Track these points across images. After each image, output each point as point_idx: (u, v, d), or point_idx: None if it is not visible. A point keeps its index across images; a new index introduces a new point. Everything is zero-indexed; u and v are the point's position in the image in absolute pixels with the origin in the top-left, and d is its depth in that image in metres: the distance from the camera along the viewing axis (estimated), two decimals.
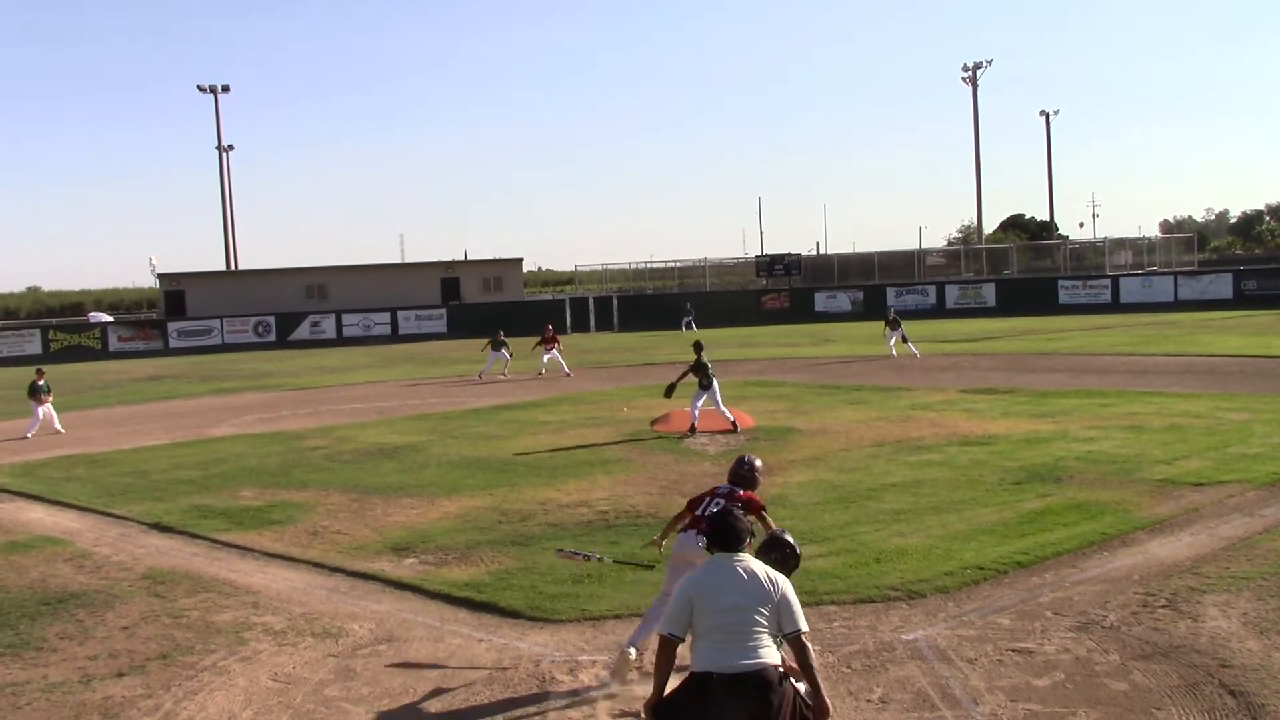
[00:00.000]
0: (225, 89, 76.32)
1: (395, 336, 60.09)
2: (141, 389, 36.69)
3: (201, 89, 75.87)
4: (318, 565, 11.85)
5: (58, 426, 24.66)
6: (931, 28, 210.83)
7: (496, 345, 34.28)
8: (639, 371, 32.78)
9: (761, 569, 5.75)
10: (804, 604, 9.36)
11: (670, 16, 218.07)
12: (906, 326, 34.44)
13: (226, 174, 77.98)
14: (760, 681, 5.43)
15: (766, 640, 5.56)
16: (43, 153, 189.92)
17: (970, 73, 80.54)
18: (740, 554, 5.79)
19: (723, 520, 6.01)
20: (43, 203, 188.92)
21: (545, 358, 34.55)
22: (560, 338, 35.67)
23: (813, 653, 5.66)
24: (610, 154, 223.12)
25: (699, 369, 20.28)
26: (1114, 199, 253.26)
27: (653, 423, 20.94)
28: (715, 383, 20.21)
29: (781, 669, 5.56)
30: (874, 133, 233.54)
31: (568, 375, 33.23)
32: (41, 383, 24.91)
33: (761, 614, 5.56)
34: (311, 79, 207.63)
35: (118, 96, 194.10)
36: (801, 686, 5.62)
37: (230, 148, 78.02)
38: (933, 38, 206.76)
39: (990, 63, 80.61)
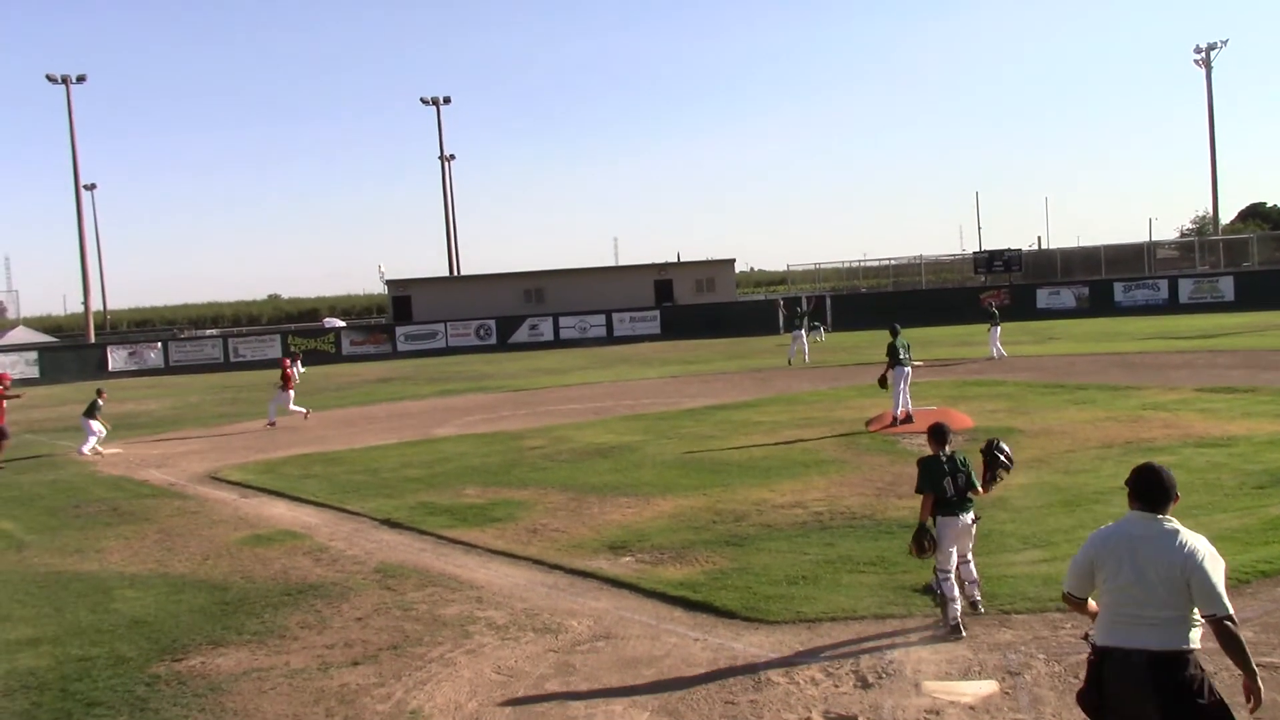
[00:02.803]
0: (447, 100, 79.22)
1: (610, 338, 61.03)
2: (372, 390, 38.39)
3: (425, 101, 79.01)
4: (537, 562, 12.15)
5: (94, 447, 24.25)
6: (1159, 8, 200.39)
7: (797, 325, 36.73)
8: (853, 372, 32.33)
9: (1180, 538, 5.10)
10: (1027, 611, 9.17)
11: (880, 10, 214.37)
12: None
13: (449, 183, 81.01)
14: (1154, 663, 5.00)
15: (1168, 619, 5.03)
16: (280, 170, 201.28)
17: (1203, 54, 76.23)
18: (1161, 515, 5.20)
19: (1150, 472, 5.32)
20: (282, 217, 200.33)
21: (273, 403, 28.61)
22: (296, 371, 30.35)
23: (1239, 636, 5.06)
24: (822, 152, 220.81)
25: (890, 351, 20.51)
26: None
27: (868, 423, 20.66)
28: (907, 368, 20.33)
29: (1190, 650, 5.05)
30: (1099, 121, 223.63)
31: (304, 416, 28.40)
32: (101, 403, 24.79)
33: (1161, 592, 5.04)
34: (527, 87, 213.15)
35: (348, 113, 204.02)
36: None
37: (452, 157, 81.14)
38: (1161, 19, 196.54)
39: (1225, 43, 76.20)
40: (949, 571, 8.97)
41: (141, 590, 11.91)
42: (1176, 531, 5.13)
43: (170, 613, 10.92)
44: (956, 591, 8.94)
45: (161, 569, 12.90)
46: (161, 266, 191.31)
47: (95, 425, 24.39)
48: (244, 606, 11.02)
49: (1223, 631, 5.03)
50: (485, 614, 10.29)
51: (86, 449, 24.13)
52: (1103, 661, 5.17)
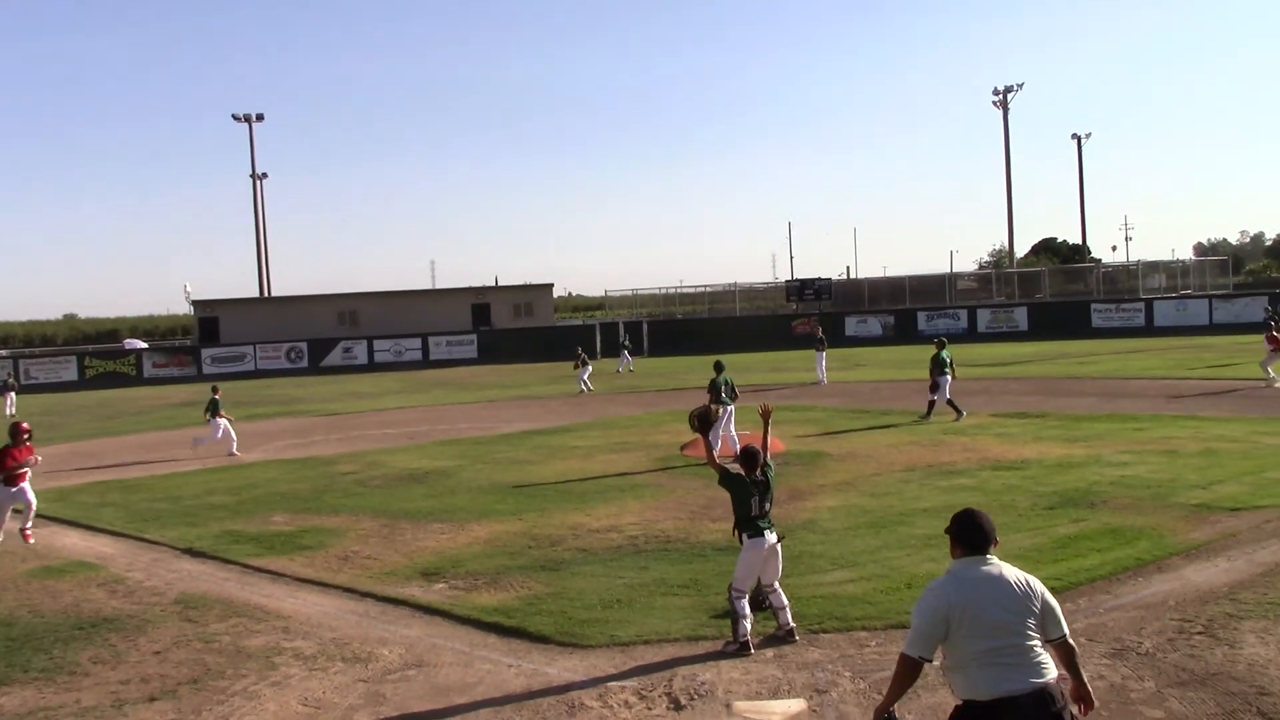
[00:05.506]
0: (259, 118, 77.13)
1: (426, 362, 60.29)
2: (175, 415, 36.94)
3: (236, 118, 76.73)
4: (348, 590, 11.89)
5: (234, 450, 24.40)
6: (962, 52, 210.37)
7: (584, 363, 37.26)
8: (669, 396, 32.75)
9: (1013, 573, 5.26)
10: (835, 630, 9.43)
11: (698, 40, 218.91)
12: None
13: (260, 202, 78.82)
14: (1051, 698, 5.07)
15: (1039, 652, 5.15)
16: (79, 182, 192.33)
17: (1001, 96, 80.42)
18: (989, 556, 5.29)
19: (972, 518, 5.39)
20: (79, 232, 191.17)
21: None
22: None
23: (1077, 650, 5.41)
24: (640, 179, 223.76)
25: (711, 388, 20.29)
26: (1147, 222, 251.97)
27: (682, 448, 20.93)
28: (731, 405, 20.17)
29: (1056, 679, 5.16)
30: (904, 156, 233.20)
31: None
32: (218, 398, 25.04)
33: (1031, 626, 5.16)
34: (343, 106, 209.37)
35: (153, 126, 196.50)
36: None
37: (264, 175, 78.81)
38: (963, 62, 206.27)
39: (1021, 86, 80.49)
40: (744, 592, 9.28)
41: None
42: (1007, 567, 5.30)
43: None
44: (748, 610, 9.24)
45: None
46: None
47: (223, 422, 24.68)
48: (30, 642, 10.41)
49: (1069, 649, 5.32)
50: (292, 644, 10.00)
51: (236, 449, 24.42)
52: (997, 715, 5.09)
